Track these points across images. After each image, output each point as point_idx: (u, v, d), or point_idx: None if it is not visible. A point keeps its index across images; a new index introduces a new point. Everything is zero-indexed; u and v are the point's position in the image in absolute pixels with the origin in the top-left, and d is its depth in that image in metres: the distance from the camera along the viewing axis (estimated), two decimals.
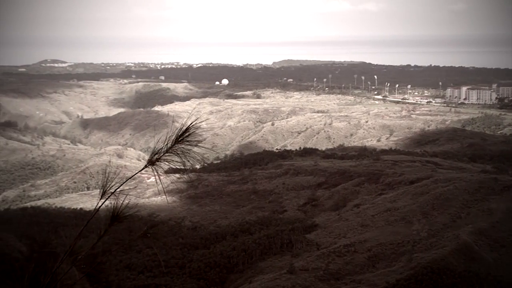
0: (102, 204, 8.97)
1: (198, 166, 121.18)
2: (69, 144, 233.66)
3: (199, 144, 9.15)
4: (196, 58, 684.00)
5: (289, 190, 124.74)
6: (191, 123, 9.15)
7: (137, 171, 10.33)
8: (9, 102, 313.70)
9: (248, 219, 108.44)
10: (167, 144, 9.04)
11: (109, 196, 8.88)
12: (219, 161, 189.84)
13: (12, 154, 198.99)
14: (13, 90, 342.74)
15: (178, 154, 9.11)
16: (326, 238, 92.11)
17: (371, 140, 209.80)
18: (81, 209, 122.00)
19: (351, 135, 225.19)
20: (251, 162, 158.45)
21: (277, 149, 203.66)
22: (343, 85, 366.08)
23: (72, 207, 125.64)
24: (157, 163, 9.11)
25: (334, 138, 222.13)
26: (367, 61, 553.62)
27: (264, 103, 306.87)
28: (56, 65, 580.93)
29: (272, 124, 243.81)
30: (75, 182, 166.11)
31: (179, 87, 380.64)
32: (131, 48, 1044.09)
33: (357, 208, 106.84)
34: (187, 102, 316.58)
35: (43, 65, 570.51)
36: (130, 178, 10.68)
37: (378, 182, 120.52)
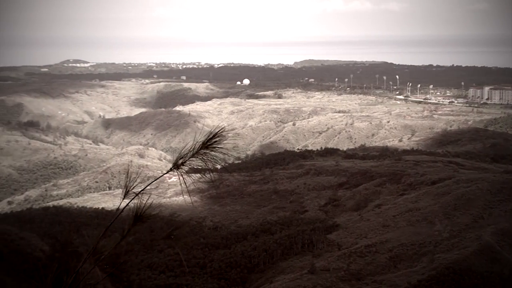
0: (127, 205, 9.03)
1: (219, 166, 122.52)
2: (91, 144, 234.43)
3: (224, 149, 9.20)
4: (218, 58, 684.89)
5: (310, 190, 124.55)
6: (219, 130, 9.20)
7: (162, 173, 10.39)
8: (31, 102, 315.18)
9: (269, 219, 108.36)
10: (193, 149, 9.07)
11: (134, 198, 8.93)
12: (240, 161, 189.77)
13: (34, 153, 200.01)
14: (36, 90, 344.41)
15: (203, 159, 9.18)
16: (347, 238, 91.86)
17: (393, 140, 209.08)
18: (102, 208, 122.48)
19: (373, 135, 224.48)
20: (272, 162, 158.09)
21: (298, 149, 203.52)
22: (364, 85, 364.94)
23: (94, 207, 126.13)
24: (182, 166, 9.16)
25: (355, 138, 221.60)
26: (389, 61, 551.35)
27: (285, 103, 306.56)
28: (78, 65, 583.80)
29: (293, 124, 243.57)
30: (96, 182, 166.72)
31: (201, 87, 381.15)
32: (152, 48, 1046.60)
33: (378, 209, 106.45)
34: (209, 102, 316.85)
35: (66, 65, 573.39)
36: (156, 179, 10.77)
37: (400, 183, 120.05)
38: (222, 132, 9.18)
